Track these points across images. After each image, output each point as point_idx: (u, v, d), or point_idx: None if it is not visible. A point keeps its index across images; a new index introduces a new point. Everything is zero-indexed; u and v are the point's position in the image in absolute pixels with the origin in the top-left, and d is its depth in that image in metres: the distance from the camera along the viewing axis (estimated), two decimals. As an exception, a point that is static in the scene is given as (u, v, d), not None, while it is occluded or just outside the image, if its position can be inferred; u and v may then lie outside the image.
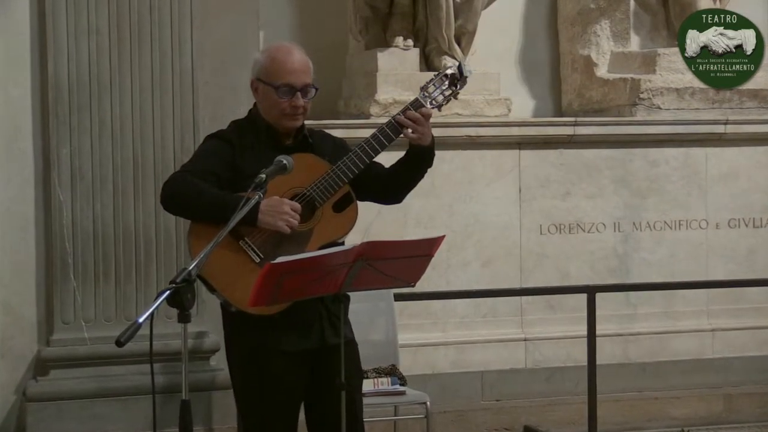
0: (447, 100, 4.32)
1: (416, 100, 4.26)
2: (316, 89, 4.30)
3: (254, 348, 4.18)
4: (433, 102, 4.28)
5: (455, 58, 7.23)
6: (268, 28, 7.25)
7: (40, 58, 6.44)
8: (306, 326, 4.17)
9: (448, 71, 4.32)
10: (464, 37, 7.44)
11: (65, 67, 6.35)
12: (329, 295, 4.08)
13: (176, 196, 4.16)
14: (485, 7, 7.49)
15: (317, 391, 4.26)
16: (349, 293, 4.19)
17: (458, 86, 4.31)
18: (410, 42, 7.39)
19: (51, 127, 6.38)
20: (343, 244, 4.18)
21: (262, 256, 4.07)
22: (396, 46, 7.34)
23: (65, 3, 6.35)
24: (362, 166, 4.18)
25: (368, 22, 7.47)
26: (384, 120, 6.73)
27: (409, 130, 4.21)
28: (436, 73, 4.35)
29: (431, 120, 4.26)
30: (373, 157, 4.21)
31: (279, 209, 4.05)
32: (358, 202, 4.31)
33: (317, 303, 4.14)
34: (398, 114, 4.24)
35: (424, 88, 4.30)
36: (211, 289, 4.11)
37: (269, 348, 4.15)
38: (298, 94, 4.22)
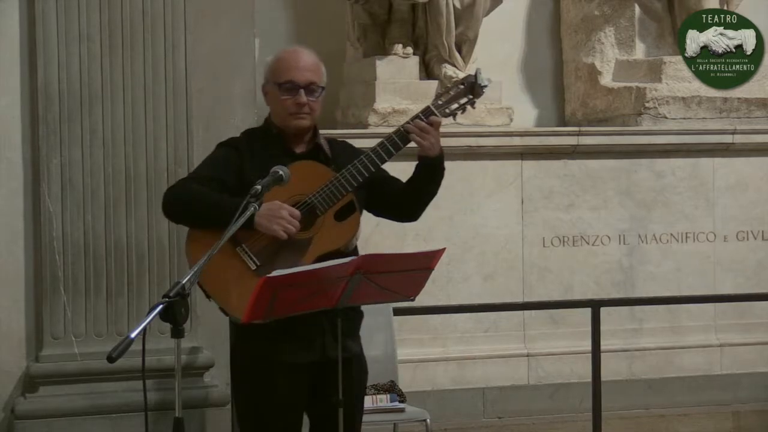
0: (462, 109, 4.24)
1: (427, 108, 4.19)
2: (322, 89, 4.26)
3: (256, 358, 4.17)
4: (446, 111, 4.21)
5: (456, 66, 7.24)
6: (263, 36, 7.25)
7: (30, 65, 6.41)
8: (309, 339, 4.13)
9: (465, 79, 4.24)
10: (465, 45, 7.43)
11: (55, 75, 6.31)
12: (335, 309, 4.03)
13: (175, 202, 4.16)
14: (486, 14, 7.50)
15: (318, 405, 4.23)
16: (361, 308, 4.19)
17: (474, 96, 4.22)
18: (409, 49, 7.37)
19: (40, 137, 6.33)
20: (344, 254, 4.10)
21: (259, 263, 4.04)
22: (395, 54, 7.34)
23: (56, 9, 6.31)
24: (367, 175, 4.11)
25: (366, 29, 7.48)
26: (382, 129, 6.80)
27: (418, 139, 4.14)
28: (454, 80, 4.26)
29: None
30: (380, 166, 4.14)
31: (277, 213, 4.00)
32: (377, 218, 4.34)
33: (321, 316, 4.08)
34: (407, 122, 4.17)
35: (438, 96, 4.23)
36: (208, 295, 4.11)
37: (271, 359, 4.13)
38: (302, 91, 4.18)
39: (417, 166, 4.24)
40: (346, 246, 4.14)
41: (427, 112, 4.17)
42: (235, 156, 4.20)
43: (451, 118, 4.28)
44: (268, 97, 4.28)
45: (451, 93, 4.22)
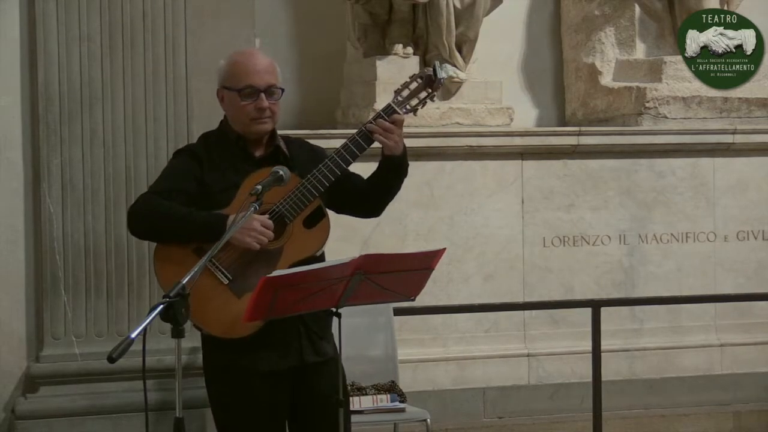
0: (422, 104, 4.15)
1: (388, 105, 4.12)
2: (282, 90, 4.19)
3: (230, 368, 4.11)
4: (407, 107, 4.13)
5: (456, 66, 7.21)
6: (264, 36, 7.24)
7: (30, 65, 6.39)
8: (284, 345, 4.08)
9: (422, 73, 4.16)
10: (465, 45, 7.41)
11: (56, 75, 6.30)
12: (309, 312, 3.99)
13: (141, 220, 4.09)
14: (487, 14, 7.47)
15: (298, 411, 4.19)
16: (344, 308, 4.08)
17: (432, 90, 4.13)
18: (410, 50, 7.35)
19: (41, 137, 6.32)
20: (318, 259, 4.07)
21: (231, 278, 3.98)
22: (395, 54, 7.31)
23: (56, 9, 6.30)
24: (333, 179, 4.05)
25: (367, 29, 7.44)
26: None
27: (382, 138, 4.08)
28: (411, 75, 4.20)
29: (408, 128, 4.19)
30: (345, 168, 4.08)
31: (248, 225, 3.92)
32: (338, 215, 4.24)
33: (296, 320, 4.04)
34: (369, 121, 4.10)
35: (397, 92, 4.15)
36: None
37: (246, 368, 4.07)
38: (262, 95, 4.12)
39: (380, 164, 4.17)
40: (319, 252, 4.09)
41: (388, 110, 4.09)
42: (194, 164, 4.13)
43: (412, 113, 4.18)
44: (225, 103, 4.21)
45: (410, 88, 4.13)
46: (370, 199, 4.26)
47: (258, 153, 4.17)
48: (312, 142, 4.41)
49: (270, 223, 3.96)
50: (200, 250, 3.90)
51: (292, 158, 4.17)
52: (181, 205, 4.04)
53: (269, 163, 4.10)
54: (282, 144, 4.22)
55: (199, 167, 4.12)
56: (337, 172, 4.04)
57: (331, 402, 4.06)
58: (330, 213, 4.17)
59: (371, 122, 4.08)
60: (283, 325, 3.97)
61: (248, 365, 4.06)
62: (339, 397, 4.02)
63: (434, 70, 4.12)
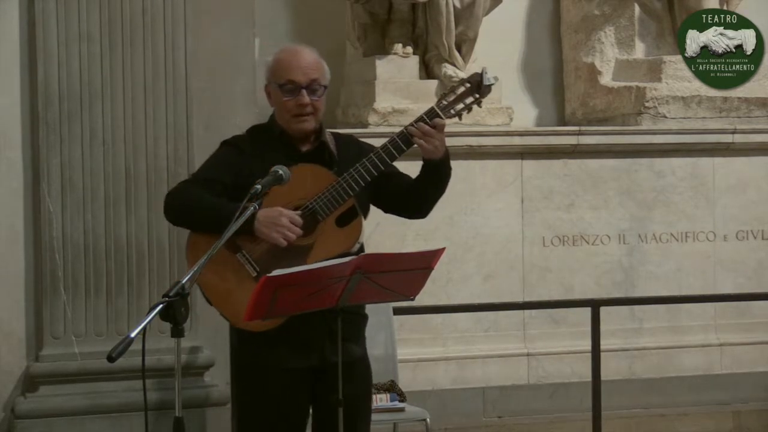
0: (467, 109, 4.11)
1: (431, 109, 4.08)
2: (324, 87, 4.18)
3: (256, 364, 4.14)
4: (451, 111, 4.08)
5: (456, 66, 7.20)
6: (263, 34, 7.20)
7: (30, 64, 6.39)
8: (308, 344, 4.09)
9: (471, 78, 4.12)
10: (465, 44, 7.39)
11: (55, 74, 6.30)
12: (334, 312, 3.99)
13: (175, 207, 4.13)
14: (486, 14, 7.45)
15: (320, 409, 4.20)
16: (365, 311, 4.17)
17: (480, 95, 4.10)
18: (409, 49, 7.34)
19: (40, 136, 6.32)
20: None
21: (259, 270, 3.99)
22: (395, 54, 7.31)
23: (55, 8, 6.29)
24: (369, 179, 4.03)
25: (367, 29, 7.44)
26: (382, 129, 6.79)
27: (421, 142, 4.04)
28: (460, 79, 4.17)
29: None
30: (382, 170, 4.06)
31: (276, 221, 3.96)
32: (387, 215, 4.28)
33: (321, 320, 4.04)
34: (411, 124, 4.07)
35: (443, 96, 4.12)
36: (210, 302, 4.09)
37: (268, 364, 4.09)
38: (303, 91, 4.11)
39: (422, 167, 4.16)
40: (349, 251, 4.08)
41: (431, 114, 4.05)
42: (237, 155, 4.15)
43: (456, 118, 4.16)
44: (271, 99, 4.21)
45: (456, 93, 4.09)
46: (415, 199, 4.25)
47: (304, 148, 4.18)
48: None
49: (298, 219, 3.97)
50: (231, 242, 3.91)
51: (339, 156, 4.18)
52: (215, 196, 4.07)
53: (314, 158, 4.13)
54: (330, 140, 4.23)
55: (240, 158, 4.13)
56: (374, 172, 4.03)
57: (350, 403, 4.07)
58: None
59: (413, 124, 4.05)
60: (308, 323, 3.98)
61: (271, 362, 4.08)
62: (338, 397, 4.01)
63: (482, 76, 4.09)
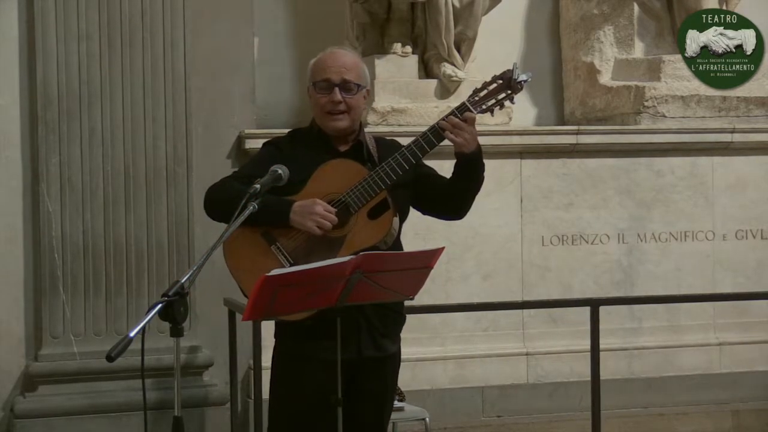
0: (499, 105, 4.15)
1: (462, 104, 4.12)
2: (359, 86, 4.20)
3: (287, 354, 4.21)
4: (482, 107, 4.12)
5: (455, 65, 7.18)
6: (262, 34, 7.22)
7: (29, 64, 6.41)
8: (343, 337, 4.08)
9: (504, 74, 4.15)
10: (464, 44, 7.37)
11: (54, 74, 6.31)
12: (372, 308, 4.11)
13: (215, 201, 4.19)
14: (486, 13, 7.43)
15: (349, 403, 4.20)
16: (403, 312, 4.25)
17: (513, 91, 4.12)
18: (409, 48, 7.33)
19: (39, 136, 6.34)
20: (392, 249, 4.16)
21: (293, 261, 4.04)
22: (394, 53, 7.30)
23: (54, 8, 6.30)
24: (401, 173, 4.08)
25: (366, 28, 7.43)
26: (381, 128, 6.78)
27: (451, 135, 4.08)
28: (494, 75, 4.18)
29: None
30: (414, 164, 4.10)
31: (310, 209, 4.01)
32: (424, 216, 4.35)
33: (358, 314, 4.12)
34: (442, 119, 4.12)
35: (475, 92, 4.15)
36: (245, 295, 4.09)
37: (302, 355, 4.15)
38: (336, 89, 4.16)
39: (455, 163, 4.20)
40: (382, 243, 4.13)
41: (462, 108, 4.10)
42: (276, 154, 4.19)
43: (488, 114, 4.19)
44: (311, 99, 4.27)
45: (488, 88, 4.13)
46: (451, 198, 4.30)
47: (343, 148, 4.23)
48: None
49: (332, 208, 4.02)
50: (267, 234, 4.01)
51: (379, 158, 4.20)
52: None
53: (351, 157, 4.17)
54: (369, 140, 4.27)
55: (279, 157, 4.14)
56: (405, 166, 4.07)
57: (379, 398, 4.20)
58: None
59: (444, 119, 4.10)
60: (344, 317, 4.00)
61: (305, 353, 4.13)
62: (338, 397, 4.01)
63: (513, 72, 4.11)
